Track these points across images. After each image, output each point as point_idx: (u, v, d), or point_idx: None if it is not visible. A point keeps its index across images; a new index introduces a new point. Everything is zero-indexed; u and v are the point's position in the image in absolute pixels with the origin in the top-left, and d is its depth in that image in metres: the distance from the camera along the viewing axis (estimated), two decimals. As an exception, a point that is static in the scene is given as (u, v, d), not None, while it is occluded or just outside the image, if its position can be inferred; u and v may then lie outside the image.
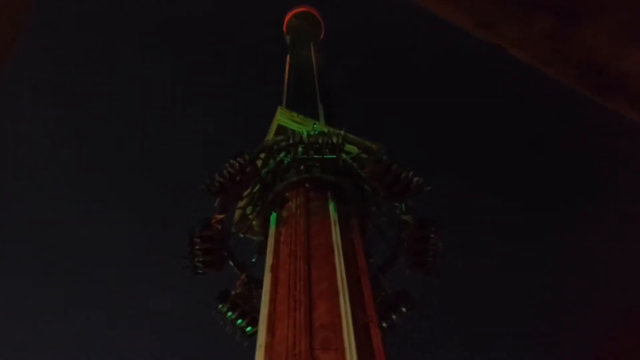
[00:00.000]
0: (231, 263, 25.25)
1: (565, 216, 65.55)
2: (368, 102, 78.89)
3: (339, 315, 16.86)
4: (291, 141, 25.47)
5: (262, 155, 26.35)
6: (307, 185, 24.17)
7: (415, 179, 24.31)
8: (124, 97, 78.87)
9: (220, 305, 24.02)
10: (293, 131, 26.53)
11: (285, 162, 25.60)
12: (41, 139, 73.91)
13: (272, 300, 18.39)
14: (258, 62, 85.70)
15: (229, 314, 23.87)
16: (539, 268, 63.97)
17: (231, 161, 24.12)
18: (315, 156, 25.03)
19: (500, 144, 75.34)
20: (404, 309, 24.51)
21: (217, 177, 23.91)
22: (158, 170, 75.45)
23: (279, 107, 29.15)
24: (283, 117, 28.58)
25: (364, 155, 26.23)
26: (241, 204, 26.61)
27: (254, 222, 26.63)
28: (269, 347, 16.31)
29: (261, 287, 20.99)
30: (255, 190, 26.20)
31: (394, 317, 24.36)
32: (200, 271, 24.45)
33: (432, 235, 25.18)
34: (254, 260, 25.60)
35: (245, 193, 26.12)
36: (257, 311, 20.50)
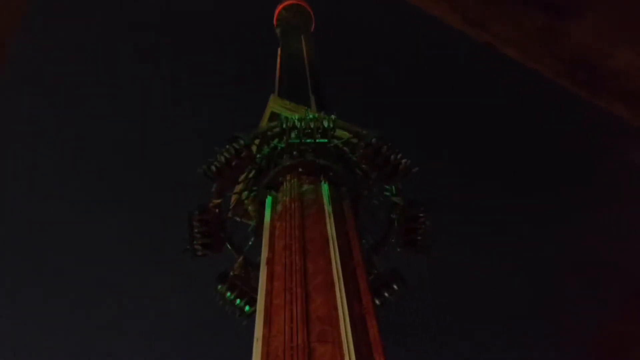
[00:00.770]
0: (229, 246, 26.26)
1: (565, 216, 66.04)
2: (359, 93, 79.38)
3: (335, 308, 17.03)
4: (284, 126, 26.28)
5: (257, 142, 27.17)
6: (300, 169, 24.92)
7: (404, 160, 25.33)
8: (123, 96, 79.13)
9: (219, 286, 25.02)
10: (286, 117, 27.35)
11: (279, 147, 26.45)
12: (40, 138, 74.13)
13: (269, 293, 18.39)
14: (251, 55, 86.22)
15: (228, 294, 24.88)
16: (537, 268, 64.67)
17: (227, 146, 25.01)
18: (308, 140, 25.88)
19: (500, 144, 75.67)
20: (395, 287, 25.75)
21: (215, 161, 24.81)
22: (158, 170, 75.74)
23: (272, 94, 30.03)
24: (275, 105, 29.44)
25: (355, 140, 27.11)
26: (237, 189, 27.46)
27: (249, 207, 27.55)
28: (266, 340, 16.26)
29: (258, 269, 21.61)
30: (250, 175, 27.12)
31: (386, 294, 25.57)
32: (199, 253, 25.42)
33: (421, 215, 26.31)
34: (250, 243, 26.55)
35: (241, 178, 27.03)
36: (255, 291, 21.20)
